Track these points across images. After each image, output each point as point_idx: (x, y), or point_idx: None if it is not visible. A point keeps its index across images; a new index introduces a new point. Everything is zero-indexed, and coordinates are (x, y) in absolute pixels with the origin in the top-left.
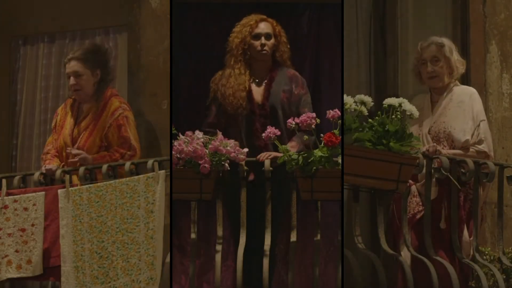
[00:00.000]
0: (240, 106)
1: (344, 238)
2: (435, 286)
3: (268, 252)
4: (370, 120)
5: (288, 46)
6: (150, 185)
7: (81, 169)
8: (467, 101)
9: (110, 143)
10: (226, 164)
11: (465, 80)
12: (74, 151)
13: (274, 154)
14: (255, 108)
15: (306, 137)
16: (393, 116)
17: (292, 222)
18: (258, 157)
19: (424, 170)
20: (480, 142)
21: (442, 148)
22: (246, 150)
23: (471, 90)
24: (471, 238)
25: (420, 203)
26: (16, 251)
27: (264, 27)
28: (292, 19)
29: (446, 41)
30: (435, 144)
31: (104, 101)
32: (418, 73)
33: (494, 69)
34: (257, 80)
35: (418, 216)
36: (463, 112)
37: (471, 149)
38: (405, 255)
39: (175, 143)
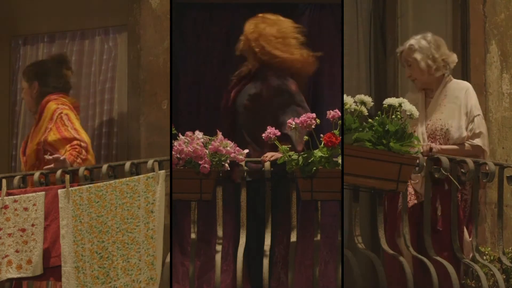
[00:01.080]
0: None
1: (344, 238)
2: (435, 286)
3: (268, 252)
4: (370, 120)
5: (275, 35)
6: (150, 185)
7: (81, 169)
8: (462, 97)
9: (53, 145)
10: (226, 164)
11: (465, 80)
12: (51, 157)
13: (276, 155)
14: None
15: (306, 137)
16: (393, 116)
17: (292, 222)
18: (262, 157)
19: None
20: (474, 136)
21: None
22: (246, 151)
23: (466, 85)
24: (471, 238)
25: (413, 193)
26: (16, 251)
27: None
28: (292, 19)
29: (419, 41)
30: (428, 143)
31: (41, 109)
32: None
33: (494, 69)
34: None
35: (410, 205)
36: (458, 108)
37: (466, 144)
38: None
39: (175, 143)
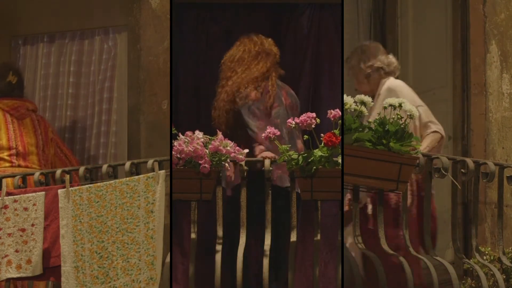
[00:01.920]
0: None
1: (344, 238)
2: (435, 285)
3: (268, 252)
4: (370, 120)
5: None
6: (150, 185)
7: (81, 169)
8: (393, 97)
9: None
10: (226, 164)
11: (465, 80)
12: None
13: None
14: None
15: (306, 136)
16: (393, 116)
17: (292, 222)
18: (261, 157)
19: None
20: (426, 126)
21: None
22: (246, 151)
23: (394, 84)
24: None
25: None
26: (16, 251)
27: None
28: (292, 19)
29: (350, 56)
30: None
31: None
32: None
33: (494, 69)
34: None
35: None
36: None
37: (426, 137)
38: (352, 248)
39: (175, 143)
